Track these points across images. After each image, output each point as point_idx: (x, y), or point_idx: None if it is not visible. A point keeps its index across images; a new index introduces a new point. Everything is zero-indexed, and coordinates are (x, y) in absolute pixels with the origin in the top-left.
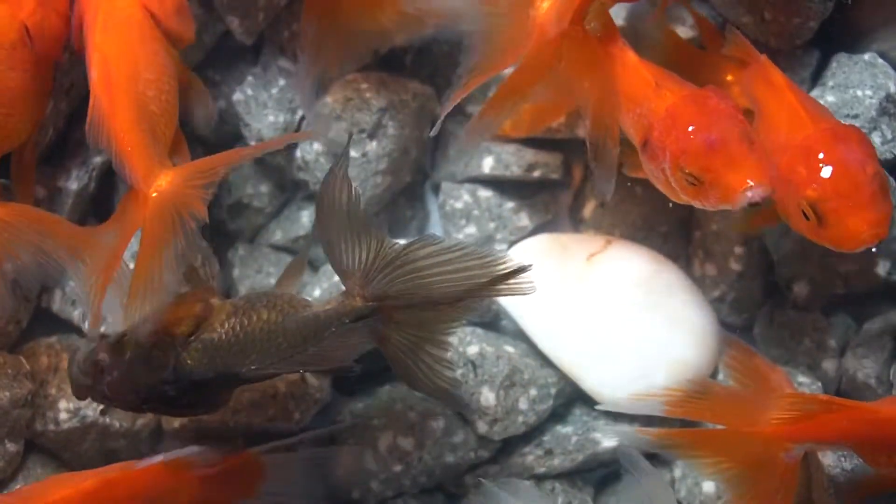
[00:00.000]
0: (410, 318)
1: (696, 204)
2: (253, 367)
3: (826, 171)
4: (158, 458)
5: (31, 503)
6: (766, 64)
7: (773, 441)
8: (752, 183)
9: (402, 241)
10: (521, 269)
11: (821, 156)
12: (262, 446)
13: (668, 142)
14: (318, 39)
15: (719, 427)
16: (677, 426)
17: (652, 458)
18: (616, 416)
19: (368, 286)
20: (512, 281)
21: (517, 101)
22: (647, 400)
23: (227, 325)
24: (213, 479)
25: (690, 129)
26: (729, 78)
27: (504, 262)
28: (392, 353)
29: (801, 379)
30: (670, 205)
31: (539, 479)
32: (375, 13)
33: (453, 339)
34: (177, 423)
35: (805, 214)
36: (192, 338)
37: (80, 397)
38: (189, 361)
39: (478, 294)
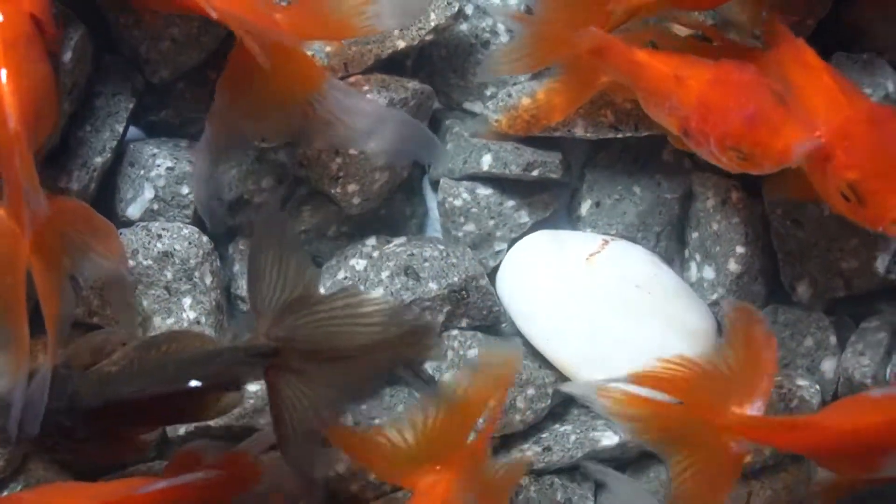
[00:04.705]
0: (308, 371)
1: (756, 173)
2: (135, 390)
3: (865, 152)
4: (162, 483)
5: None
6: (801, 46)
7: (727, 431)
8: (799, 140)
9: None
10: (428, 327)
11: (859, 136)
12: (253, 442)
13: (708, 128)
14: (229, 110)
15: (676, 402)
16: None
17: (649, 456)
18: None
19: (275, 327)
20: (423, 343)
21: None
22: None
23: (125, 360)
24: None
25: (726, 111)
26: None
27: (415, 320)
28: (277, 401)
29: (801, 382)
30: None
31: (538, 474)
32: (288, 99)
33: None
34: (182, 429)
35: (845, 196)
36: (90, 370)
37: None
38: (83, 391)
39: (385, 349)
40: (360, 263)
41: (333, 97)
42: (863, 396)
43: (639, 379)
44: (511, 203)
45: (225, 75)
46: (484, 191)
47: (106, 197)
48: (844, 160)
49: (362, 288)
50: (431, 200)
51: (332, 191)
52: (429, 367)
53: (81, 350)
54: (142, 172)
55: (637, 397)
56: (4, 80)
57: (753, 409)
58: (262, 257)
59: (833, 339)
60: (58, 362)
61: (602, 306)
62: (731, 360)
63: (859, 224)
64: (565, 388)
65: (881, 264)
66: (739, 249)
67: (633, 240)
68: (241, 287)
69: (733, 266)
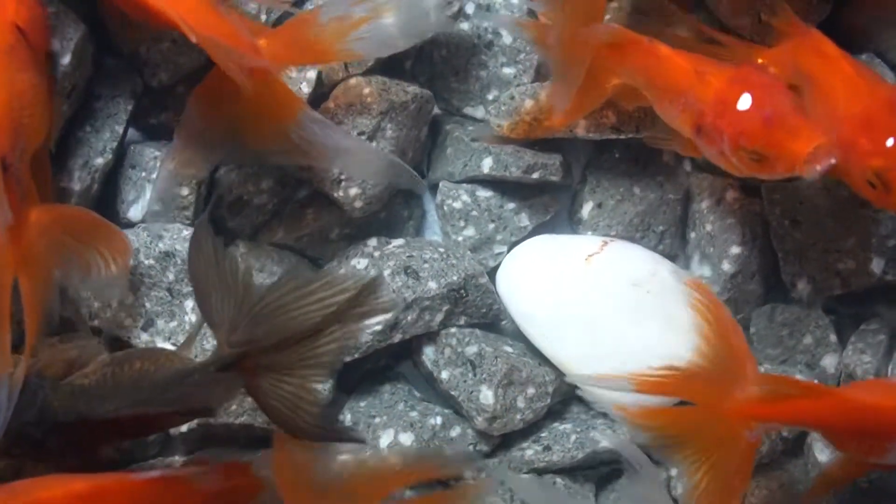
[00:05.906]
0: (280, 362)
1: (764, 176)
2: (111, 409)
3: (889, 139)
4: (156, 472)
5: (17, 498)
6: (816, 36)
7: (739, 419)
8: (816, 146)
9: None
10: (375, 283)
11: (882, 123)
12: (261, 458)
13: (724, 125)
14: (199, 126)
15: (689, 405)
16: None
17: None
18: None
19: (234, 334)
20: (373, 298)
21: None
22: (615, 379)
23: (99, 373)
24: (210, 499)
25: (744, 109)
26: (759, 61)
27: (359, 280)
28: (265, 400)
29: (800, 378)
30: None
31: (539, 472)
32: (263, 124)
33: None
34: (185, 427)
35: (871, 184)
36: (63, 381)
37: None
38: (55, 403)
39: (342, 318)
40: (361, 263)
41: (308, 128)
42: (881, 380)
43: (645, 388)
44: (511, 206)
45: (199, 89)
46: (484, 193)
47: (107, 199)
48: (868, 147)
49: None
50: (429, 203)
51: (335, 193)
52: (428, 361)
53: (54, 360)
54: (143, 174)
55: (653, 410)
56: None
57: (754, 390)
58: (202, 273)
59: (833, 337)
60: (31, 370)
61: (601, 305)
62: (710, 353)
63: (888, 210)
64: (572, 379)
65: (877, 266)
66: (734, 250)
67: (634, 240)
68: None
69: (727, 266)
